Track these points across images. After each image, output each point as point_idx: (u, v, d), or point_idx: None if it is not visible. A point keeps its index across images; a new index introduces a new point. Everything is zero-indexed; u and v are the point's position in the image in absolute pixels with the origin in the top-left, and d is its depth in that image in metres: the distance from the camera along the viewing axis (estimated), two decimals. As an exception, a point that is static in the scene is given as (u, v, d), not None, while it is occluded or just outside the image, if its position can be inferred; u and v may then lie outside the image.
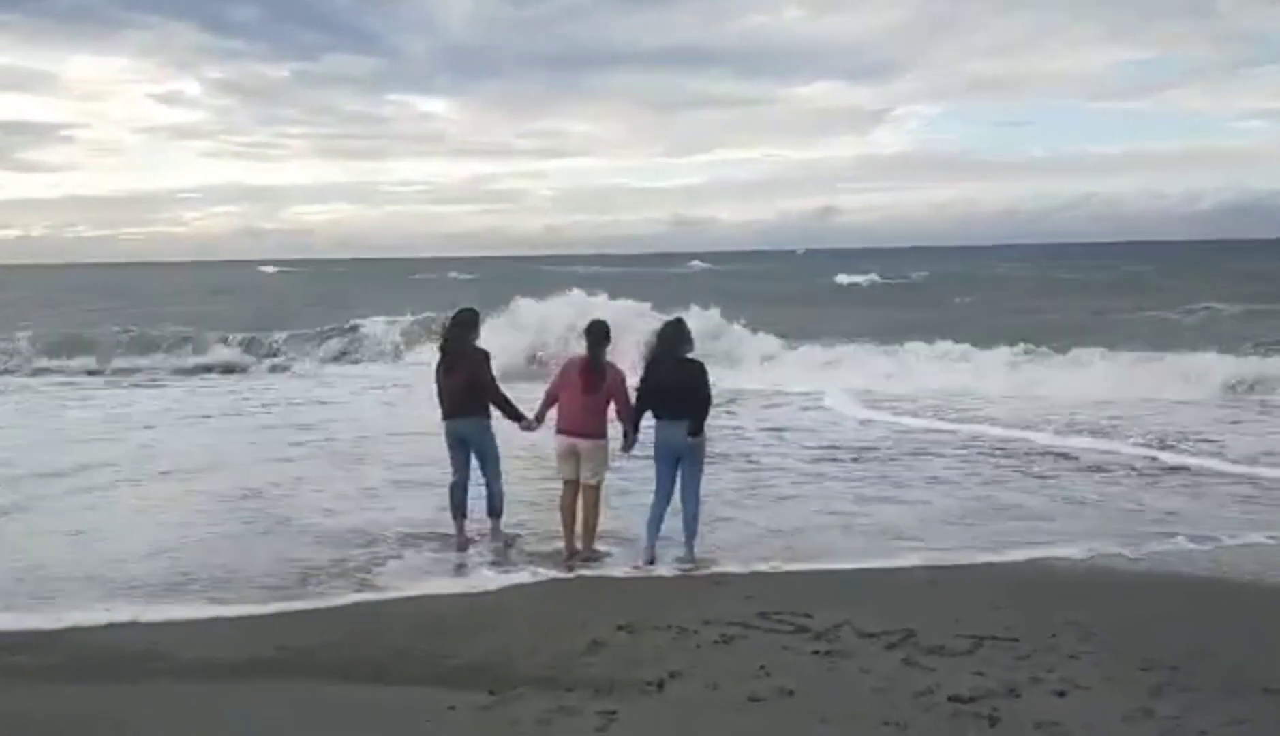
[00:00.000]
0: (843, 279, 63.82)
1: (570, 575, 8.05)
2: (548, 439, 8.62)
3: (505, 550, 8.64)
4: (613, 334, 8.50)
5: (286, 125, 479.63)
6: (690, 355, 8.19)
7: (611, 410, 8.35)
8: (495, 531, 8.92)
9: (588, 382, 8.23)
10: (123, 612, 7.06)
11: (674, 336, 8.16)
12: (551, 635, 6.41)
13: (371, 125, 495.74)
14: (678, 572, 8.02)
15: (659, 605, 7.05)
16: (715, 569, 8.12)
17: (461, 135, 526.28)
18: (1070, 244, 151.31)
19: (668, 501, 8.21)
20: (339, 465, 12.40)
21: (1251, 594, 7.48)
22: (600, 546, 8.50)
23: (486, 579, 7.93)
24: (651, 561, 8.14)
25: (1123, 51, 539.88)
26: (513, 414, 8.72)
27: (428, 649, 6.20)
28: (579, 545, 8.41)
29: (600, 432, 8.33)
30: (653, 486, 8.32)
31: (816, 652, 6.06)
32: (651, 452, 8.30)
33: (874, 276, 64.22)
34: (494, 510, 8.93)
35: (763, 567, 8.10)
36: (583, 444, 8.29)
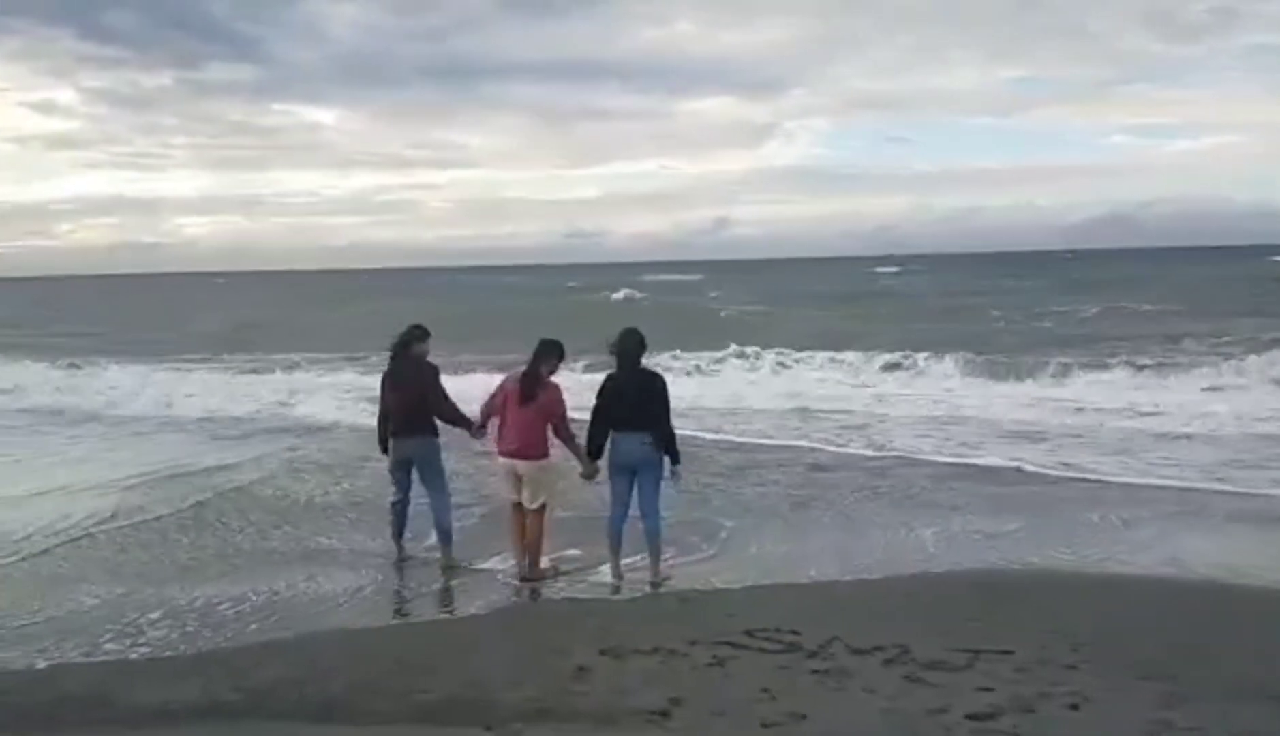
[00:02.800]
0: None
1: (531, 599, 7.68)
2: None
3: (453, 572, 8.25)
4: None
5: (168, 135, 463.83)
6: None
7: (551, 432, 8.02)
8: (445, 556, 8.50)
9: (522, 392, 7.92)
10: (67, 654, 6.45)
11: (634, 346, 7.85)
12: (530, 663, 6.01)
13: (257, 135, 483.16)
14: (643, 592, 7.71)
15: (635, 626, 6.69)
16: (676, 585, 7.85)
17: (351, 145, 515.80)
18: (952, 255, 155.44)
19: (625, 514, 7.91)
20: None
21: (1213, 593, 7.48)
22: (546, 562, 8.23)
23: (442, 606, 7.50)
24: (620, 579, 7.86)
25: (1000, 70, 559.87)
26: (461, 422, 8.40)
27: (397, 683, 5.72)
28: (520, 569, 8.12)
29: (540, 453, 7.97)
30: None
31: (815, 671, 5.80)
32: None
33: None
34: (445, 534, 8.51)
35: (729, 584, 7.83)
36: (521, 465, 7.95)
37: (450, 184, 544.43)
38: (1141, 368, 20.79)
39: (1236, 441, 13.61)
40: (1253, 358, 20.78)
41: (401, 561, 8.44)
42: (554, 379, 8.10)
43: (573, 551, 8.59)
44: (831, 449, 13.84)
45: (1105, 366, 21.05)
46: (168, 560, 8.85)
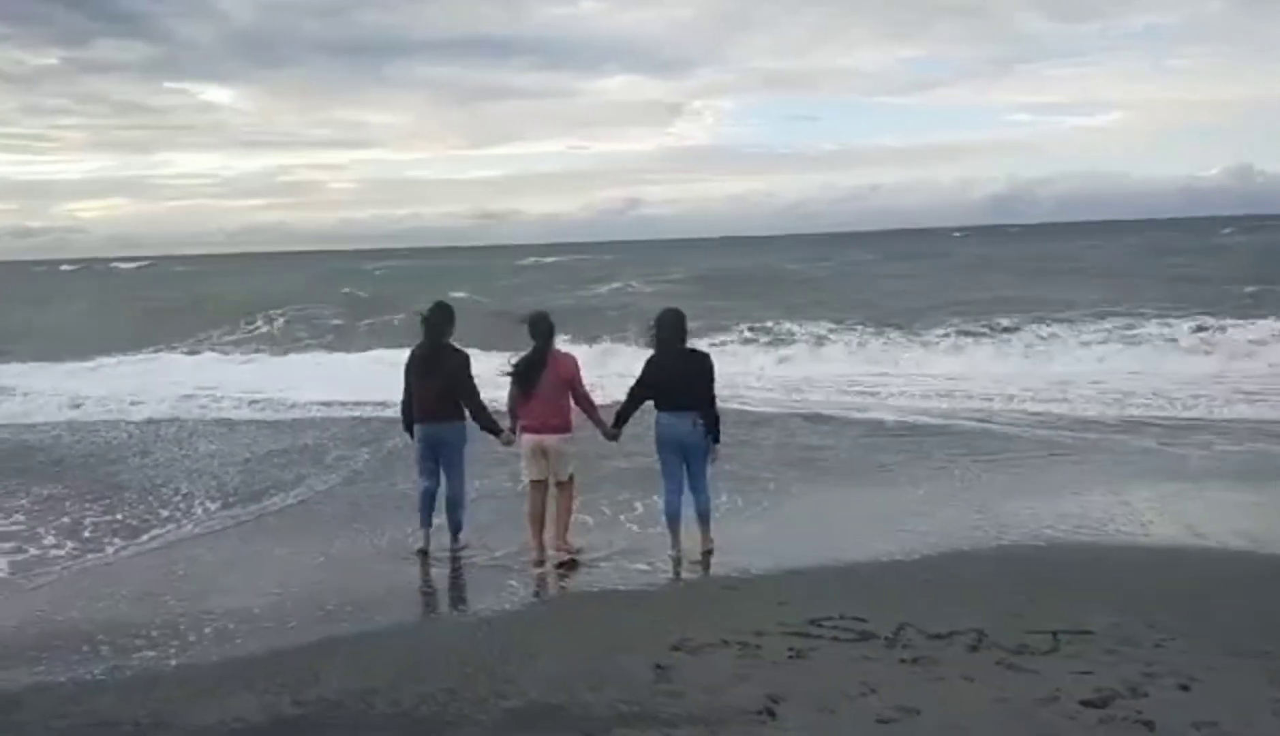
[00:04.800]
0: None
1: (569, 590, 7.44)
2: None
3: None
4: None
5: (56, 116, 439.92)
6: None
7: (571, 399, 7.93)
8: (453, 547, 8.15)
9: (526, 384, 7.83)
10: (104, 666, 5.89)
11: (675, 324, 7.72)
12: (602, 663, 5.65)
13: (150, 115, 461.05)
14: (677, 576, 7.55)
15: (690, 618, 6.39)
16: (716, 570, 7.62)
17: (249, 125, 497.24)
18: (857, 233, 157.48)
19: (680, 490, 7.77)
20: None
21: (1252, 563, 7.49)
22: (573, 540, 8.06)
23: (479, 601, 7.09)
24: (679, 552, 7.76)
25: (901, 50, 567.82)
26: (490, 426, 8.05)
27: (472, 689, 5.32)
28: (548, 545, 7.92)
29: (566, 426, 7.88)
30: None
31: (904, 661, 5.58)
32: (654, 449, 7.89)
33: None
34: (457, 525, 8.16)
35: (761, 569, 7.58)
36: (550, 440, 7.81)
37: (353, 164, 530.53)
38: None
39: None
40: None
41: (426, 551, 8.06)
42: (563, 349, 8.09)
43: (577, 543, 8.23)
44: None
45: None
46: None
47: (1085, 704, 4.95)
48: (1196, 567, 7.39)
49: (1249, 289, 28.58)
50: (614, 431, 7.98)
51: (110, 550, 8.64)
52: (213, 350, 26.09)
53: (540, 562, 7.78)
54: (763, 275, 45.99)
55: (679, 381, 7.61)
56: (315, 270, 64.47)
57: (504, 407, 8.06)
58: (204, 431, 14.40)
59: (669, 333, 7.69)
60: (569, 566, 7.76)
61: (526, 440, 7.87)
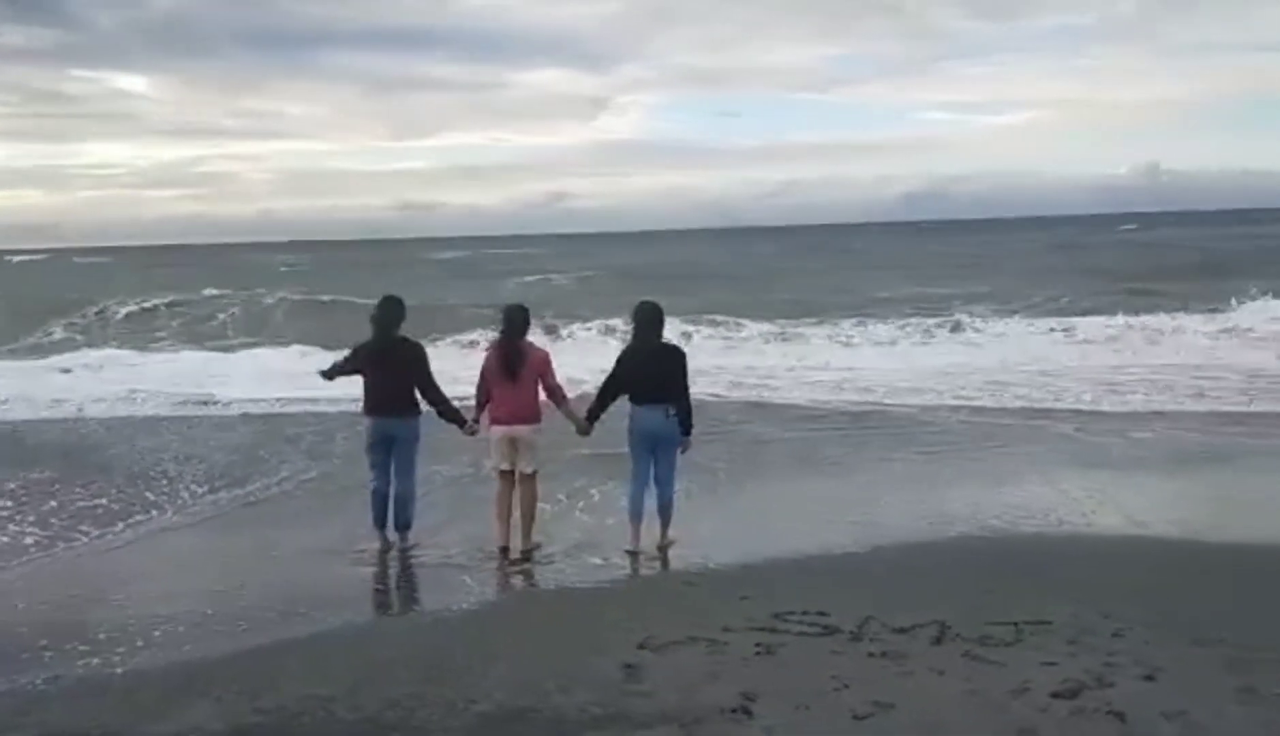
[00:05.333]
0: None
1: (528, 586, 7.28)
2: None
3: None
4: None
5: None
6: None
7: (543, 392, 7.88)
8: (402, 543, 7.98)
9: (506, 368, 7.72)
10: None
11: (652, 318, 7.76)
12: (570, 663, 5.54)
13: (59, 104, 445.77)
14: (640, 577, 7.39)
15: (655, 614, 6.32)
16: (673, 566, 7.62)
17: (164, 115, 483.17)
18: (778, 228, 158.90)
19: (646, 485, 7.80)
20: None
21: (1185, 551, 7.67)
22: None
23: (436, 601, 6.94)
24: (638, 548, 7.74)
25: (822, 47, 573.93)
26: (454, 416, 7.93)
27: (438, 692, 5.18)
28: (517, 541, 7.83)
29: (536, 417, 7.82)
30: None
31: (872, 655, 5.58)
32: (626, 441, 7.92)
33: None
34: (405, 522, 7.98)
35: (718, 562, 7.54)
36: (521, 430, 7.74)
37: (272, 155, 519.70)
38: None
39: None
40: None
41: (385, 551, 7.90)
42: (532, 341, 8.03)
43: (536, 538, 8.13)
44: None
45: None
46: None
47: (1055, 695, 4.98)
48: (1142, 557, 7.55)
49: (1128, 285, 29.83)
50: (586, 424, 7.96)
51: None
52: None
53: (505, 552, 7.72)
54: (684, 270, 46.22)
55: (654, 375, 7.65)
56: (220, 263, 63.10)
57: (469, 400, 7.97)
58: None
59: (645, 326, 7.75)
60: (525, 561, 7.68)
61: (497, 431, 7.78)
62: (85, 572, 7.79)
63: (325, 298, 31.52)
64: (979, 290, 31.38)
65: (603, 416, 7.97)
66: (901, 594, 6.61)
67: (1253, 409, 13.72)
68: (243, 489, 10.19)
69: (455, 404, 8.04)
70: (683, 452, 7.90)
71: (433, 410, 7.94)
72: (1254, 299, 23.17)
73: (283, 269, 58.38)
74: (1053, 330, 21.92)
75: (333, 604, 6.83)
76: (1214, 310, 22.84)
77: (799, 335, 22.78)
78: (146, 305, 30.92)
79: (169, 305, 30.98)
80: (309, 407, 14.19)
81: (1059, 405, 14.37)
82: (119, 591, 7.19)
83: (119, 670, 5.72)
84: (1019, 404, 14.55)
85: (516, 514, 7.87)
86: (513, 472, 7.83)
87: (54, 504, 9.59)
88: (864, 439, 12.47)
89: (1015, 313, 25.31)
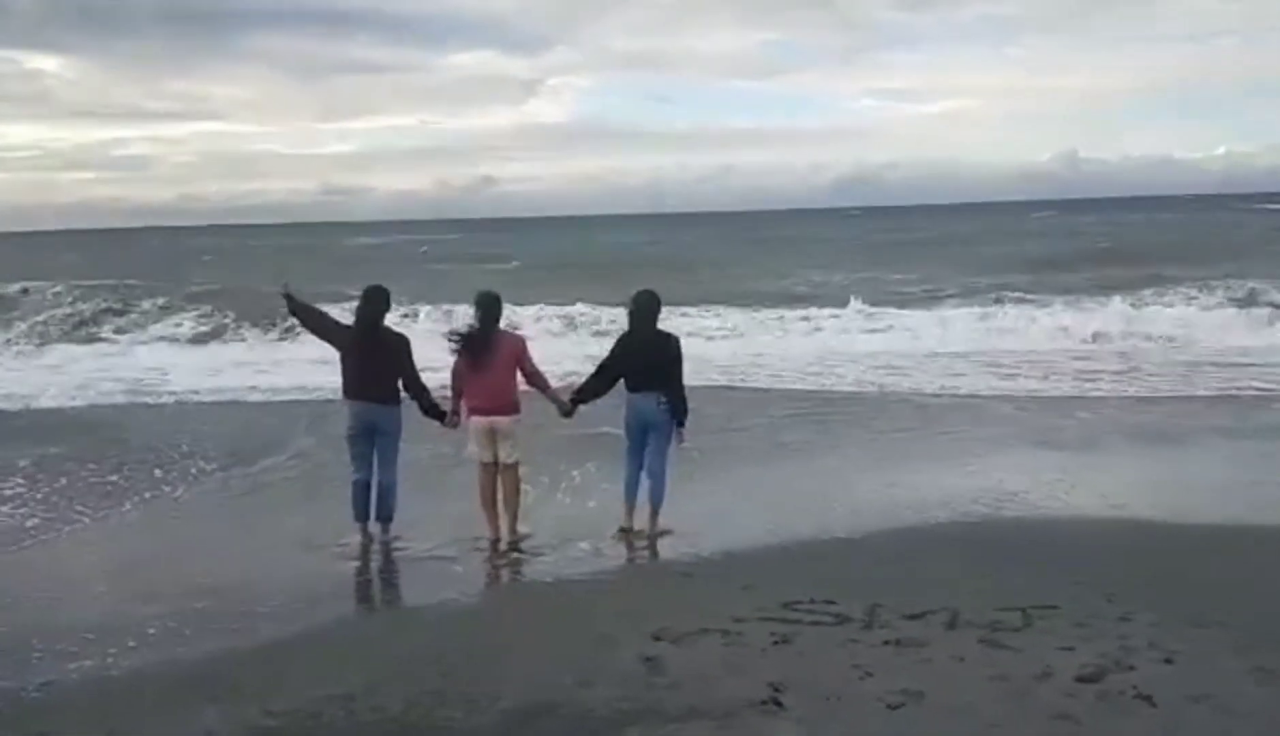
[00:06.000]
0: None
1: (515, 578, 7.15)
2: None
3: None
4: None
5: None
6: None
7: (523, 381, 7.76)
8: (384, 536, 7.80)
9: (478, 356, 7.57)
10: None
11: (649, 307, 7.76)
12: (586, 657, 5.42)
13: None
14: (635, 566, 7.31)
15: (661, 605, 6.23)
16: (664, 554, 7.56)
17: (80, 96, 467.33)
18: (710, 213, 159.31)
19: (640, 467, 7.81)
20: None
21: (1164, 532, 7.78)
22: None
23: (433, 596, 6.75)
24: (630, 526, 7.79)
25: (755, 33, 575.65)
26: (433, 410, 7.80)
27: (457, 689, 5.05)
28: (504, 532, 7.72)
29: (516, 406, 7.70)
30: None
31: (888, 643, 5.56)
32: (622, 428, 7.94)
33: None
34: (388, 514, 7.79)
35: (710, 550, 7.47)
36: (501, 421, 7.61)
37: (194, 137, 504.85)
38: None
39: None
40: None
41: (367, 545, 7.70)
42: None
43: (523, 529, 7.98)
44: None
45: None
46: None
47: (1080, 680, 5.01)
48: (1129, 539, 7.63)
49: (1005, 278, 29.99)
50: (569, 406, 7.91)
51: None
52: None
53: (496, 545, 7.60)
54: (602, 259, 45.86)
55: (648, 362, 7.66)
56: (137, 248, 61.15)
57: (447, 390, 7.77)
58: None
59: (643, 314, 7.74)
60: (514, 551, 7.56)
61: (476, 422, 7.64)
62: (67, 562, 7.47)
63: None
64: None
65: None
66: (904, 579, 6.60)
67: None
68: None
69: (434, 397, 7.89)
70: (679, 444, 7.86)
71: (415, 404, 7.77)
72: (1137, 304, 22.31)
73: (206, 259, 56.56)
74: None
75: (324, 600, 6.64)
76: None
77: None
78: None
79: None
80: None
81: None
82: (100, 585, 6.93)
83: (114, 672, 5.47)
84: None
85: (502, 519, 7.74)
86: (495, 464, 7.70)
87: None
88: (816, 422, 12.51)
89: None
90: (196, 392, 15.22)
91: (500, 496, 7.72)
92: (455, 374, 7.69)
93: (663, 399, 7.64)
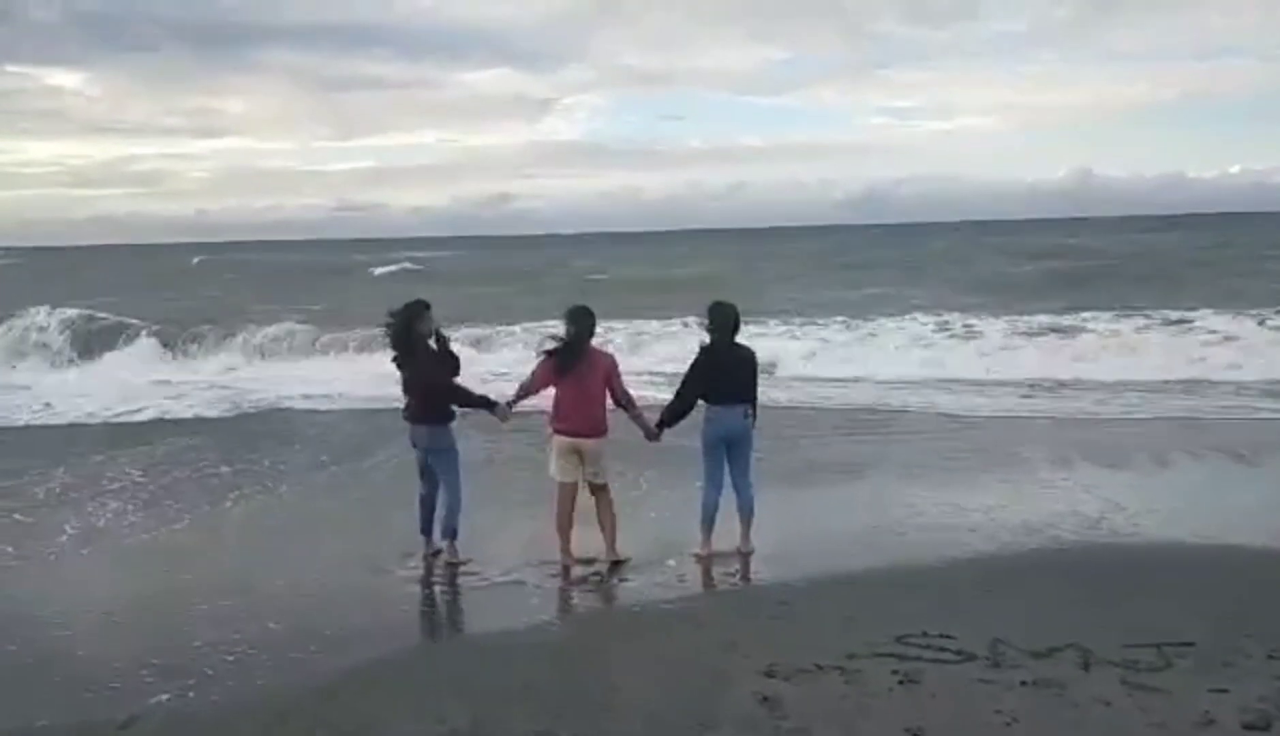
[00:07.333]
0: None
1: (606, 607, 6.81)
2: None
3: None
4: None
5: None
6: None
7: (610, 398, 7.39)
8: (450, 553, 7.50)
9: (559, 366, 7.22)
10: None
11: (731, 318, 7.44)
12: (694, 692, 5.05)
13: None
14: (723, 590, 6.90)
15: (762, 638, 5.83)
16: (759, 579, 7.18)
17: (99, 112, 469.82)
18: (723, 230, 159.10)
19: (719, 490, 7.49)
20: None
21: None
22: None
23: (513, 622, 6.36)
24: (706, 552, 7.43)
25: (766, 50, 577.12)
26: (480, 402, 7.51)
27: (571, 726, 4.66)
28: (604, 554, 7.41)
29: (604, 428, 7.34)
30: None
31: (1024, 684, 5.14)
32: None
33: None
34: (451, 530, 7.48)
35: (795, 578, 7.04)
36: (588, 443, 7.26)
37: (210, 154, 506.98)
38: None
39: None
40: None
41: (432, 556, 7.53)
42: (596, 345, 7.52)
43: (624, 551, 7.55)
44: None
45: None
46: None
47: (1248, 727, 4.60)
48: (1243, 567, 7.18)
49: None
50: (657, 432, 7.52)
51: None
52: None
53: (568, 573, 7.22)
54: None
55: (733, 375, 7.42)
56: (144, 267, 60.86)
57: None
58: None
59: (723, 327, 7.43)
60: (614, 574, 7.24)
61: (561, 441, 7.27)
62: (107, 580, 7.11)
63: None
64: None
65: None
66: (1014, 613, 6.17)
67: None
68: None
69: (483, 394, 7.62)
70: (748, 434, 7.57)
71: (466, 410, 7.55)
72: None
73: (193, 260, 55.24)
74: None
75: (399, 628, 6.27)
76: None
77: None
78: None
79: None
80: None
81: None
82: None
83: (191, 708, 5.09)
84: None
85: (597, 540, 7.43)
86: (575, 485, 7.35)
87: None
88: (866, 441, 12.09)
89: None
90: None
91: (596, 519, 7.39)
92: (534, 377, 7.30)
93: (749, 411, 7.44)
